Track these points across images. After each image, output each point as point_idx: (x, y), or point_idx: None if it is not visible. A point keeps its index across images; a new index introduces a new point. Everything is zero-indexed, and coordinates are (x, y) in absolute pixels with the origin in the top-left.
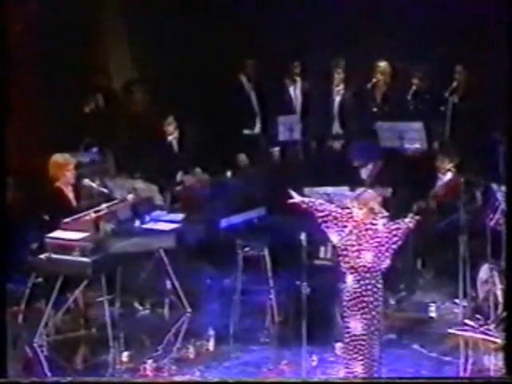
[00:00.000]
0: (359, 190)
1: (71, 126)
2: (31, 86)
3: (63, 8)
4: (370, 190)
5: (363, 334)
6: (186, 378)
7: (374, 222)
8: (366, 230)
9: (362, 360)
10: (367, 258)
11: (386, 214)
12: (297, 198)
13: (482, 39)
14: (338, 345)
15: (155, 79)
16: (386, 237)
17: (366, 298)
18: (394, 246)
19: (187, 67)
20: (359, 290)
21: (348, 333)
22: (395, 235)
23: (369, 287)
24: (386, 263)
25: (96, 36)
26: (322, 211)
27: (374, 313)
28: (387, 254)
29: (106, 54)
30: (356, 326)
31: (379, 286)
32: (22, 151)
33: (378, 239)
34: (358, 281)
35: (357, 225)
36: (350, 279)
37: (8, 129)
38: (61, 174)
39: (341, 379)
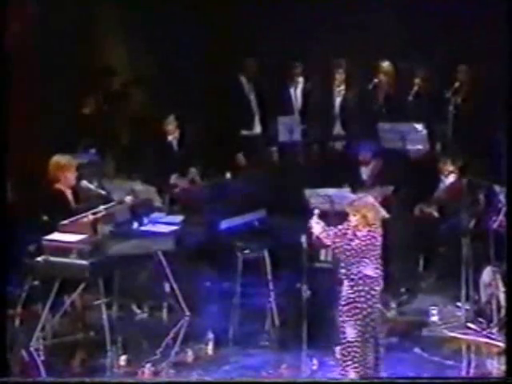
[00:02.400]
0: (356, 196)
1: (69, 127)
2: (30, 86)
3: (62, 8)
4: (365, 198)
5: (357, 341)
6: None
7: (361, 230)
8: (355, 235)
9: (355, 367)
10: (357, 265)
11: (378, 225)
12: (317, 229)
13: (485, 39)
14: (338, 348)
15: (154, 79)
16: (365, 244)
17: (359, 305)
18: (374, 253)
19: (186, 67)
20: (353, 296)
21: (344, 338)
22: (372, 243)
23: (362, 294)
24: (375, 270)
25: (95, 36)
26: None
27: (367, 320)
28: (368, 260)
29: (105, 54)
30: (350, 332)
31: (373, 293)
32: (20, 152)
33: (360, 247)
34: (352, 287)
35: (353, 231)
36: (345, 285)
37: (8, 130)
38: (62, 176)
39: (340, 380)
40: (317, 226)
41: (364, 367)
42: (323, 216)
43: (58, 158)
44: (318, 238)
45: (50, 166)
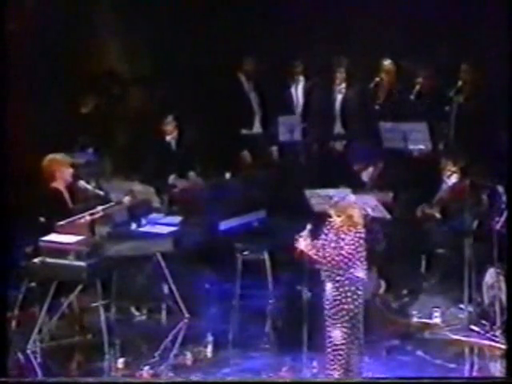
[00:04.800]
0: (338, 196)
1: (67, 127)
2: (28, 86)
3: (61, 8)
4: (348, 197)
5: (343, 344)
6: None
7: (346, 232)
8: (342, 239)
9: (338, 370)
10: (331, 258)
11: (361, 225)
12: (304, 244)
13: (488, 38)
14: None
15: (153, 79)
16: (354, 248)
17: (345, 306)
18: (363, 254)
19: (186, 66)
20: (339, 297)
21: (329, 342)
22: (360, 244)
23: (348, 294)
24: (364, 271)
25: (93, 35)
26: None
27: (354, 321)
28: (358, 262)
29: (104, 54)
30: (337, 335)
31: (359, 293)
32: (16, 152)
33: (351, 252)
34: (337, 288)
35: (336, 233)
36: (329, 287)
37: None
38: (57, 172)
39: (340, 379)
40: (304, 242)
41: (346, 370)
42: (323, 217)
43: (52, 155)
44: (302, 251)
45: (44, 164)
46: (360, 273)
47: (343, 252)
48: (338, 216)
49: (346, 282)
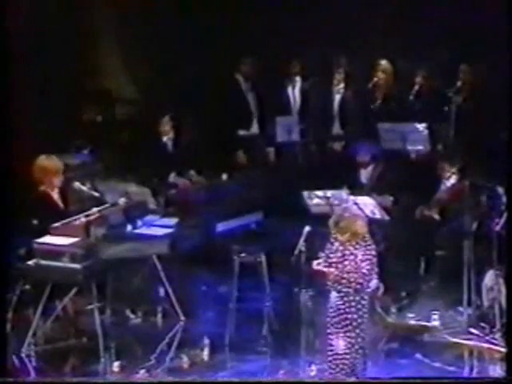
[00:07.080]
0: (337, 213)
1: (65, 127)
2: (28, 87)
3: (60, 10)
4: (346, 213)
5: (346, 353)
6: None
7: (356, 247)
8: (350, 252)
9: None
10: (349, 276)
11: (368, 235)
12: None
13: (488, 38)
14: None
15: (151, 79)
16: (368, 262)
17: (349, 316)
18: (376, 265)
19: (183, 66)
20: (343, 306)
21: (331, 350)
22: (373, 255)
23: (352, 304)
24: (373, 282)
25: (92, 35)
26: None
27: (357, 331)
28: (374, 274)
29: (102, 55)
30: (339, 343)
31: (364, 302)
32: (14, 153)
33: (357, 262)
34: (342, 297)
35: (342, 243)
36: (333, 295)
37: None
38: (47, 180)
39: (340, 380)
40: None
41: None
42: (321, 218)
43: (44, 163)
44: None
45: (35, 169)
46: (374, 282)
47: (364, 271)
48: (343, 235)
49: (352, 291)
